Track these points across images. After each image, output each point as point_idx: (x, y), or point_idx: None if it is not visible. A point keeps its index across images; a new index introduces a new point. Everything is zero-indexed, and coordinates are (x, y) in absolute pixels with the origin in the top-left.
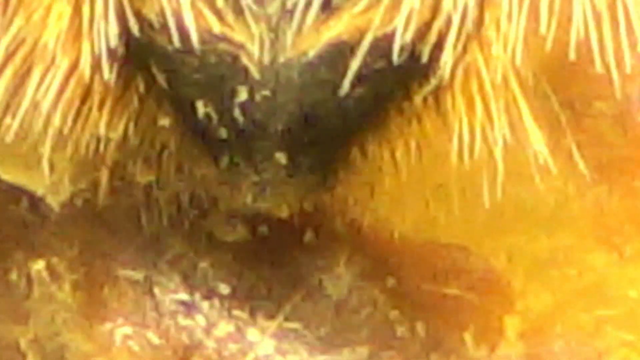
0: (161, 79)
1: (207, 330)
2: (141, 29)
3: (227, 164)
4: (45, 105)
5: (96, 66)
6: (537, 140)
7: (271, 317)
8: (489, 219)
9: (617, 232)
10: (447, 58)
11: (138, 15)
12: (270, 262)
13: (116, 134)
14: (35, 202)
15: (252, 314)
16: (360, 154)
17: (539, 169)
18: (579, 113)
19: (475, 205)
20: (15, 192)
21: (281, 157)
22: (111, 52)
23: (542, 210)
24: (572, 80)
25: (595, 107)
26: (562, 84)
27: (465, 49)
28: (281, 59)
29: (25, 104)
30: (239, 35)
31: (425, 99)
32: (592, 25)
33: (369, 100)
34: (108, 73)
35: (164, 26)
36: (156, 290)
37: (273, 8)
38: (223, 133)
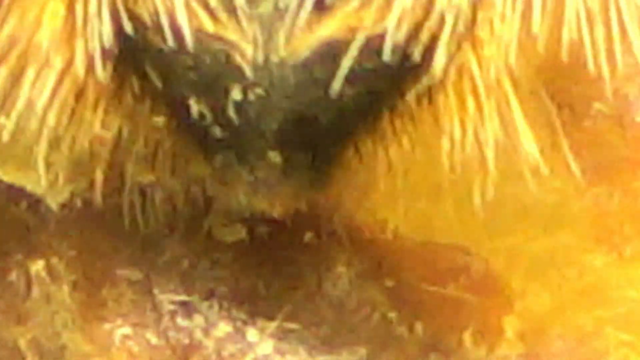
0: (155, 78)
1: (206, 331)
2: (135, 29)
3: (221, 163)
4: (40, 105)
5: (90, 65)
6: (528, 140)
7: (270, 317)
8: (488, 219)
9: (617, 232)
10: (439, 58)
11: (132, 14)
12: (270, 263)
13: (111, 133)
14: (35, 203)
15: (252, 314)
16: (354, 153)
17: (532, 168)
18: (577, 113)
19: (468, 204)
20: (14, 193)
21: (275, 156)
22: (105, 52)
23: (541, 211)
24: (571, 81)
25: (594, 108)
26: (560, 85)
27: (458, 49)
28: (274, 58)
29: (20, 103)
30: (232, 35)
31: (418, 98)
32: (584, 25)
33: (362, 99)
34: (102, 72)
35: (158, 25)
36: (155, 290)
37: (266, 7)
38: (217, 132)
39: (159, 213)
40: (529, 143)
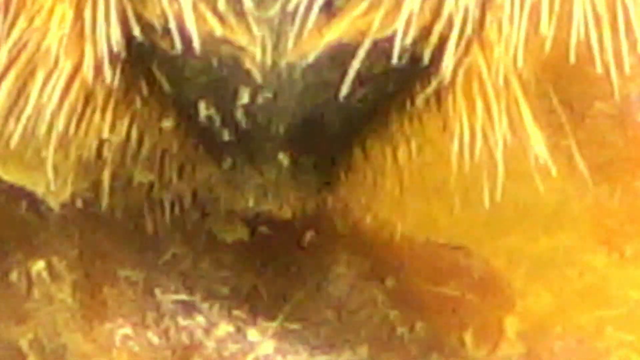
0: (163, 81)
1: (207, 331)
2: (143, 33)
3: (229, 165)
4: (49, 109)
5: (99, 69)
6: (537, 141)
7: (271, 317)
8: (489, 219)
9: (618, 232)
10: (448, 60)
11: (140, 18)
12: (271, 263)
13: (119, 137)
14: (36, 203)
15: (252, 314)
16: (362, 155)
17: (540, 169)
18: (579, 113)
19: (475, 206)
20: (15, 192)
21: (283, 159)
22: (113, 56)
23: (542, 211)
24: (573, 81)
25: (596, 107)
26: (563, 84)
27: (466, 51)
28: (283, 62)
29: (29, 107)
30: (240, 38)
31: (426, 100)
32: (592, 26)
33: (370, 102)
34: (111, 76)
35: (166, 29)
36: (156, 290)
37: (274, 11)
38: (225, 135)
39: (163, 213)
40: (538, 144)
